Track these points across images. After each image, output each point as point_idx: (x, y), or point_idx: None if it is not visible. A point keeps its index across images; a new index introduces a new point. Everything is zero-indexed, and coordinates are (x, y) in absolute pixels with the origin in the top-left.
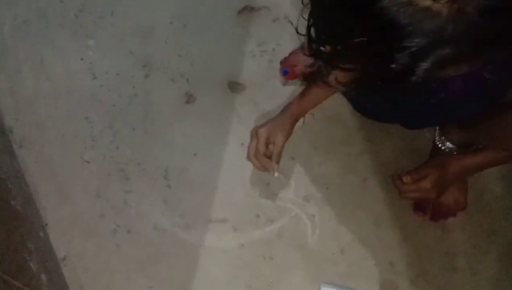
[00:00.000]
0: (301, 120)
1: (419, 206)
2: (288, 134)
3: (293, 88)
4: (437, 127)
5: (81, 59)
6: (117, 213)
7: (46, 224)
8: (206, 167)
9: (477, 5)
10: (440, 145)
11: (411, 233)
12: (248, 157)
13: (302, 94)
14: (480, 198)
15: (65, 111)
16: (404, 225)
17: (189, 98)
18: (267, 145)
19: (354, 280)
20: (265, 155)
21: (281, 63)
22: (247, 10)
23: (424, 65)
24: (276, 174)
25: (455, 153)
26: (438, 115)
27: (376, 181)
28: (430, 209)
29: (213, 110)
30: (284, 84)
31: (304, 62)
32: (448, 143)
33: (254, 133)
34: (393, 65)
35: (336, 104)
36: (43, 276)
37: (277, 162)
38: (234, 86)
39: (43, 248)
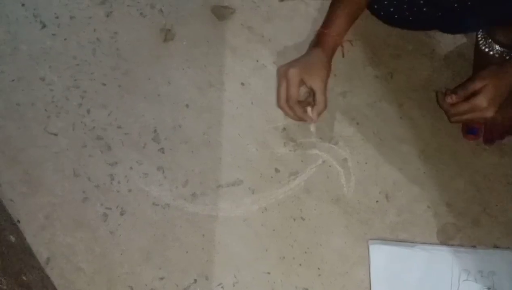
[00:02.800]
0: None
1: (470, 129)
2: (327, 75)
3: (293, 4)
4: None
5: (23, 5)
6: (104, 193)
7: (18, 221)
8: (204, 119)
9: None
10: (487, 50)
11: (465, 163)
12: (279, 104)
13: (332, 16)
14: None
15: (15, 74)
16: (455, 154)
17: (167, 34)
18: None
19: (407, 230)
20: (298, 100)
21: None
22: None
23: None
24: (312, 129)
25: (507, 58)
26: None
27: (414, 105)
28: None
29: (199, 45)
30: (282, 0)
31: None
32: (496, 46)
33: (283, 74)
34: None
35: None
36: None
37: (319, 113)
38: (220, 11)
39: (14, 257)
